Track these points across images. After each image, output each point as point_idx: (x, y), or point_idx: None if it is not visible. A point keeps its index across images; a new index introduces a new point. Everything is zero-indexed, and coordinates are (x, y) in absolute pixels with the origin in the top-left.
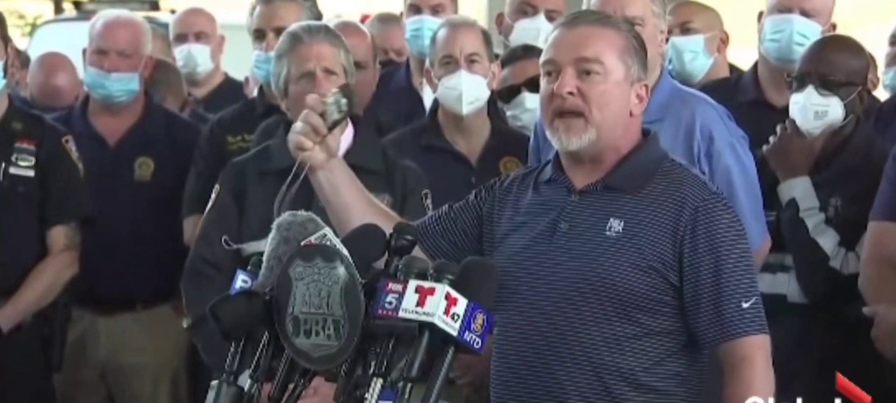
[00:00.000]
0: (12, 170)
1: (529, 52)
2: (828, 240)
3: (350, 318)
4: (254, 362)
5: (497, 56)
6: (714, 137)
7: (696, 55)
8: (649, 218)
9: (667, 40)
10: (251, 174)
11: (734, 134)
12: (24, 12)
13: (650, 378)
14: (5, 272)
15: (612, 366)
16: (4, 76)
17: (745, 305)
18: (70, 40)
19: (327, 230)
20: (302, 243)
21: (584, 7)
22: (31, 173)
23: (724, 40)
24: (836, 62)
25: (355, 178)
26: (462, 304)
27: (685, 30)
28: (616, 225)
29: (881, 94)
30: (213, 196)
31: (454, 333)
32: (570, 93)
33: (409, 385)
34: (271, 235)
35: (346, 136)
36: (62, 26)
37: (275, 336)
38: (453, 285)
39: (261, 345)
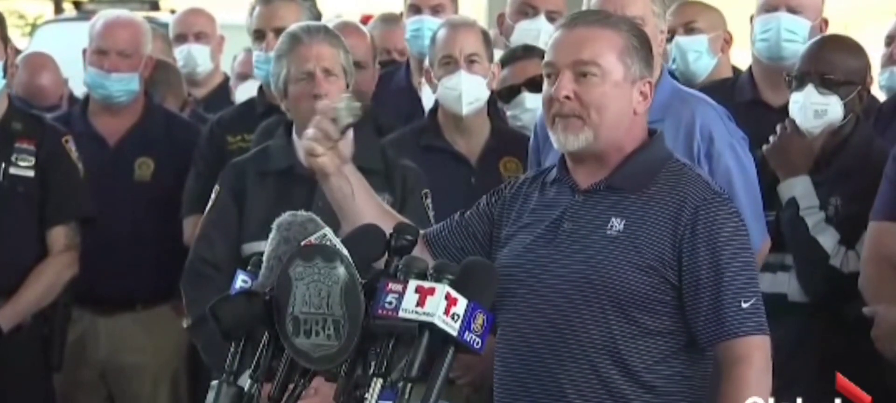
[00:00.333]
0: (12, 170)
1: (529, 52)
2: (828, 239)
3: (350, 318)
4: (254, 362)
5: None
6: (714, 138)
7: (699, 55)
8: (650, 217)
9: (668, 40)
10: (251, 174)
11: (734, 134)
12: (24, 12)
13: (651, 378)
14: (5, 272)
15: (613, 366)
16: (4, 76)
17: (744, 305)
18: (70, 40)
19: (327, 230)
20: (302, 243)
21: (584, 7)
22: (31, 173)
23: (728, 40)
24: (835, 61)
25: (366, 184)
26: (462, 304)
27: (689, 29)
28: (617, 224)
29: (876, 95)
30: (212, 196)
31: (454, 333)
32: (567, 98)
33: (409, 385)
34: (271, 235)
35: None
36: (62, 26)
37: (275, 337)
38: (453, 285)
39: (261, 345)
